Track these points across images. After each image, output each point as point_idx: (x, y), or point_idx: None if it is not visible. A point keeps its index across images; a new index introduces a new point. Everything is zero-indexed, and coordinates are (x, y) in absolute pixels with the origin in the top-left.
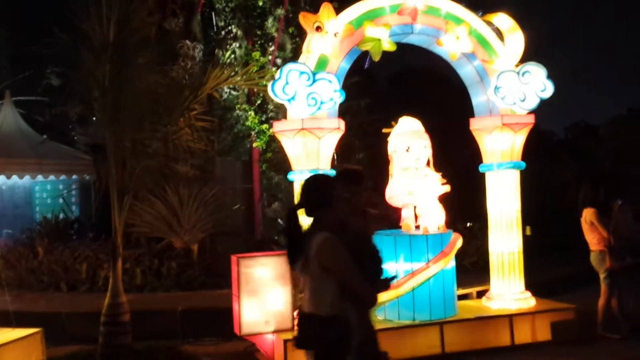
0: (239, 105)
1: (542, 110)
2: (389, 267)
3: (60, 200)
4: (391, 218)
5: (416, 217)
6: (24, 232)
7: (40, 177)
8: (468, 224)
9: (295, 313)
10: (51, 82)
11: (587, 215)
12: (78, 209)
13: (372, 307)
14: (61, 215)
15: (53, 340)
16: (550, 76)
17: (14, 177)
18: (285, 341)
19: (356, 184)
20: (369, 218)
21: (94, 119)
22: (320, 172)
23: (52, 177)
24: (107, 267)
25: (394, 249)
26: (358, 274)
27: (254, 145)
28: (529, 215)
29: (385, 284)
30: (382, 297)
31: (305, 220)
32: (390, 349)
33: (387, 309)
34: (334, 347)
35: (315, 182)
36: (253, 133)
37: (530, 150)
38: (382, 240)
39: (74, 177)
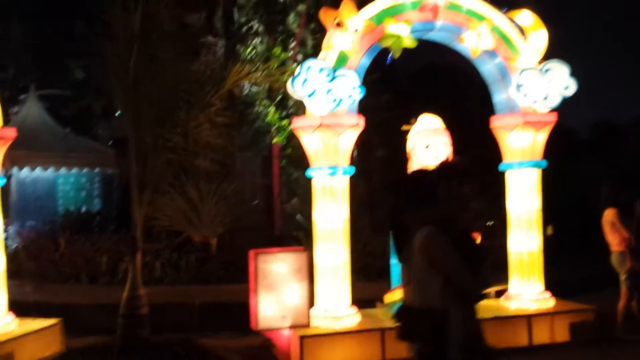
0: (259, 101)
1: (567, 109)
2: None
3: (83, 193)
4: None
5: None
6: (47, 224)
7: (63, 170)
8: (488, 223)
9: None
10: (75, 76)
11: (609, 215)
12: (100, 202)
13: (478, 301)
14: (83, 208)
15: (72, 332)
16: (573, 74)
17: (38, 170)
18: (302, 337)
19: (461, 180)
20: (469, 216)
21: (118, 113)
22: (423, 166)
23: (75, 170)
24: (127, 260)
25: None
26: (464, 268)
27: (274, 141)
28: (550, 214)
29: (486, 283)
30: (400, 294)
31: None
32: (404, 348)
33: None
34: (438, 340)
35: (421, 177)
36: (273, 129)
37: (553, 149)
38: None
39: (97, 170)
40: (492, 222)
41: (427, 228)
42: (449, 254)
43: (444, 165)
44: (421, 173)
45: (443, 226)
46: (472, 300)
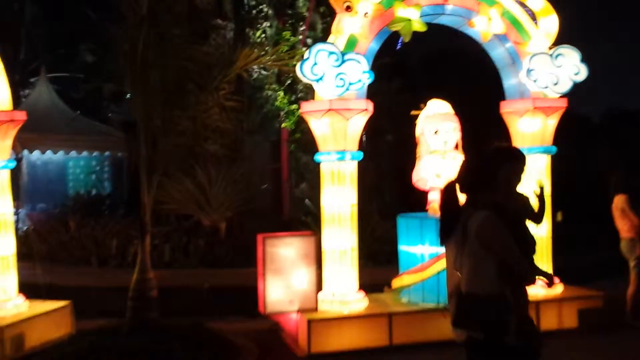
0: (268, 85)
1: (579, 94)
2: (416, 250)
3: (93, 176)
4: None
5: None
6: (57, 206)
7: (73, 153)
8: None
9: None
10: (86, 59)
11: (619, 202)
12: (110, 185)
13: (529, 285)
14: (93, 191)
15: (82, 314)
16: (584, 59)
17: (48, 153)
18: (309, 320)
19: (517, 163)
20: (522, 200)
21: (127, 96)
22: (484, 148)
23: (85, 153)
24: (137, 243)
25: (419, 232)
26: (519, 252)
27: (283, 125)
28: (560, 201)
29: (536, 269)
30: (407, 279)
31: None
32: (415, 332)
33: (411, 292)
34: (494, 326)
35: (480, 159)
36: (282, 113)
37: (564, 134)
38: (408, 223)
39: (107, 153)
40: None
41: (484, 212)
42: (505, 239)
43: (502, 148)
44: (481, 155)
45: (498, 210)
46: (525, 284)
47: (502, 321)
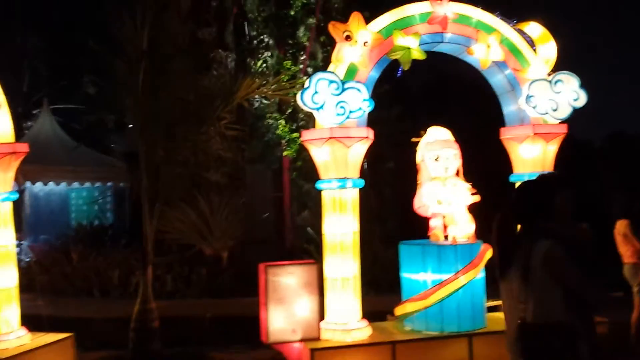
0: (269, 114)
1: (580, 119)
2: (418, 277)
3: (95, 207)
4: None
5: (445, 227)
6: (59, 237)
7: (76, 184)
8: None
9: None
10: (88, 91)
11: (621, 227)
12: (113, 215)
13: (598, 313)
14: (96, 222)
15: (84, 346)
16: (584, 85)
17: (51, 184)
18: (312, 350)
19: (571, 190)
20: (583, 227)
21: (130, 126)
22: (536, 176)
23: (87, 184)
24: (139, 273)
25: (421, 259)
26: (586, 280)
27: (284, 153)
28: None
29: (604, 295)
30: (410, 307)
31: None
32: None
33: (415, 319)
34: (567, 356)
35: (535, 188)
36: (283, 141)
37: (565, 160)
38: (410, 250)
39: (109, 184)
40: None
41: (547, 241)
42: (571, 267)
43: (555, 176)
44: (535, 184)
45: (559, 238)
46: (592, 312)
47: (571, 350)
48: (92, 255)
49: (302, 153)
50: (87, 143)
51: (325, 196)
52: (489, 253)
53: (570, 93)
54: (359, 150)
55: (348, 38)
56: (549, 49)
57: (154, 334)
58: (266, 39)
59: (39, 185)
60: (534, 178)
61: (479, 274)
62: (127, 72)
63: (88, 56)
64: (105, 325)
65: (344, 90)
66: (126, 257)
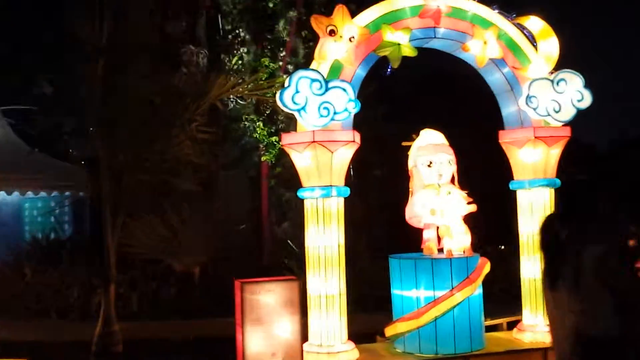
0: (246, 116)
1: (585, 122)
2: (410, 294)
3: (52, 219)
4: None
5: (439, 239)
6: (11, 252)
7: (30, 194)
8: (500, 247)
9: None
10: (43, 90)
11: None
12: (71, 228)
13: None
14: (52, 235)
15: None
16: (588, 85)
17: (2, 193)
18: None
19: (615, 193)
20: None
21: (90, 130)
22: (580, 176)
23: (43, 194)
24: (100, 292)
25: (414, 274)
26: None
27: (263, 159)
28: None
29: None
30: (402, 327)
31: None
32: None
33: (406, 341)
34: None
35: (580, 188)
36: (261, 146)
37: (569, 164)
38: (401, 264)
39: (67, 193)
40: (502, 247)
41: (600, 247)
42: (626, 275)
43: (597, 178)
44: (582, 182)
45: (611, 243)
46: None
47: None
48: (48, 272)
49: (282, 158)
50: (42, 148)
51: (308, 206)
52: (486, 267)
53: (573, 93)
54: (344, 155)
55: (332, 33)
56: (551, 46)
57: (118, 359)
58: (242, 34)
59: None
60: (577, 178)
61: (477, 290)
62: (85, 70)
63: (44, 53)
64: (63, 350)
65: (327, 89)
66: (86, 274)
